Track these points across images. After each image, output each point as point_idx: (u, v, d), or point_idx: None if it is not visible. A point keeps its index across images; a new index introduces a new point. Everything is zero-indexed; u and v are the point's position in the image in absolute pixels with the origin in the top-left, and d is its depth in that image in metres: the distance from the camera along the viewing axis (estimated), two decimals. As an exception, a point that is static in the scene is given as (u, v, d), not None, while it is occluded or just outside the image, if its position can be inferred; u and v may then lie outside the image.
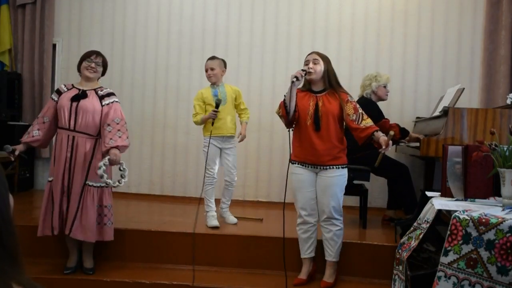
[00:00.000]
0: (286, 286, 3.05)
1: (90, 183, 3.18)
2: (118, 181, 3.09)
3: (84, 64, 3.26)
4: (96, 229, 3.20)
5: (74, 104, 3.18)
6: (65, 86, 3.33)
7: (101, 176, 2.99)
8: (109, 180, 3.06)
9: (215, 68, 3.80)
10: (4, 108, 5.23)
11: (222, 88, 3.85)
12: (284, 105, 3.00)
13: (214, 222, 3.73)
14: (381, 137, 2.93)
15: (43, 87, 5.36)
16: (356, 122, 3.01)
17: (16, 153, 3.12)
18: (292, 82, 2.92)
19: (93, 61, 3.26)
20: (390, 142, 2.89)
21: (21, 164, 5.17)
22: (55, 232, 3.17)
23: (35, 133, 3.22)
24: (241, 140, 3.91)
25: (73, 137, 3.18)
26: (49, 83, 5.38)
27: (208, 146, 3.78)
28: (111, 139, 3.12)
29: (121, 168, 3.15)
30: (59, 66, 5.52)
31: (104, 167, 3.00)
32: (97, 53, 3.32)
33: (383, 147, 2.87)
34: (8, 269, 0.79)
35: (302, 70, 3.01)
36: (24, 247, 0.85)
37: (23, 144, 3.20)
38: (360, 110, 3.05)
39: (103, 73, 3.38)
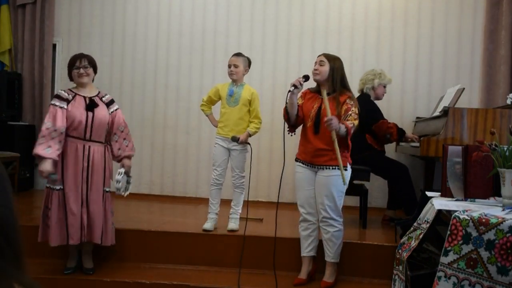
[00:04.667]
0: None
1: (107, 189, 3.25)
2: (126, 189, 3.31)
3: (74, 72, 3.19)
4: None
5: (90, 114, 3.16)
6: (65, 91, 3.23)
7: (119, 189, 3.21)
8: (123, 193, 3.25)
9: (239, 66, 3.64)
10: (4, 108, 5.23)
11: (240, 88, 3.67)
12: (286, 112, 3.06)
13: (206, 225, 3.61)
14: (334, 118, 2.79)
15: (43, 87, 5.36)
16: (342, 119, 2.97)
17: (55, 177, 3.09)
18: (289, 91, 2.96)
19: (80, 66, 3.19)
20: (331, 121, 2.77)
21: (21, 164, 5.17)
22: (71, 241, 3.13)
23: (57, 147, 3.06)
24: (236, 140, 3.58)
25: (89, 146, 3.17)
26: (49, 83, 5.38)
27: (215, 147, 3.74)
28: (119, 149, 3.25)
29: (128, 176, 3.31)
30: (59, 66, 5.51)
31: (122, 180, 3.20)
32: (80, 56, 3.23)
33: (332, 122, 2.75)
34: (11, 269, 0.79)
35: (303, 76, 3.03)
36: (24, 247, 0.85)
37: (51, 161, 3.03)
38: (350, 112, 2.96)
39: (94, 71, 3.30)
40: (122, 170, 3.22)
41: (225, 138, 3.67)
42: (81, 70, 3.19)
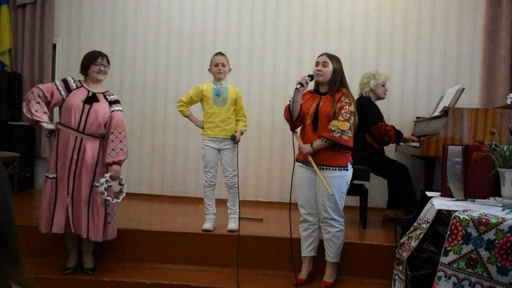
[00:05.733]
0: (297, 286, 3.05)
1: (97, 184, 3.19)
2: (117, 197, 3.25)
3: (93, 68, 3.21)
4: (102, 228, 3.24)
5: (87, 106, 3.16)
6: (73, 80, 3.26)
7: (102, 193, 3.11)
8: (109, 198, 3.15)
9: (226, 65, 3.68)
10: (4, 108, 5.23)
11: (225, 86, 3.69)
12: (288, 110, 3.09)
13: (206, 225, 3.62)
14: (304, 147, 3.07)
15: (43, 87, 5.35)
16: (332, 118, 2.99)
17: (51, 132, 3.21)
18: (296, 88, 2.99)
19: (101, 63, 3.23)
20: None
21: (21, 164, 5.17)
22: (54, 230, 3.14)
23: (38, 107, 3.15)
24: (234, 139, 3.63)
25: (81, 139, 3.17)
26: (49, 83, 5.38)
27: (204, 148, 3.70)
28: (113, 149, 3.18)
29: (120, 183, 3.27)
30: (59, 66, 5.51)
31: (105, 185, 3.12)
32: (102, 55, 3.27)
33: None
34: (7, 269, 0.79)
35: (308, 75, 3.04)
36: (24, 247, 0.85)
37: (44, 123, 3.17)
38: (342, 111, 2.96)
39: None
40: (108, 175, 3.15)
41: (216, 139, 3.65)
42: (102, 68, 3.23)
